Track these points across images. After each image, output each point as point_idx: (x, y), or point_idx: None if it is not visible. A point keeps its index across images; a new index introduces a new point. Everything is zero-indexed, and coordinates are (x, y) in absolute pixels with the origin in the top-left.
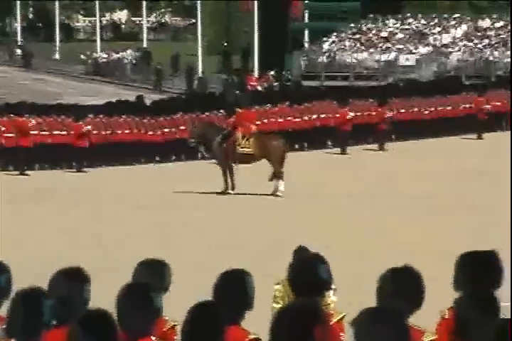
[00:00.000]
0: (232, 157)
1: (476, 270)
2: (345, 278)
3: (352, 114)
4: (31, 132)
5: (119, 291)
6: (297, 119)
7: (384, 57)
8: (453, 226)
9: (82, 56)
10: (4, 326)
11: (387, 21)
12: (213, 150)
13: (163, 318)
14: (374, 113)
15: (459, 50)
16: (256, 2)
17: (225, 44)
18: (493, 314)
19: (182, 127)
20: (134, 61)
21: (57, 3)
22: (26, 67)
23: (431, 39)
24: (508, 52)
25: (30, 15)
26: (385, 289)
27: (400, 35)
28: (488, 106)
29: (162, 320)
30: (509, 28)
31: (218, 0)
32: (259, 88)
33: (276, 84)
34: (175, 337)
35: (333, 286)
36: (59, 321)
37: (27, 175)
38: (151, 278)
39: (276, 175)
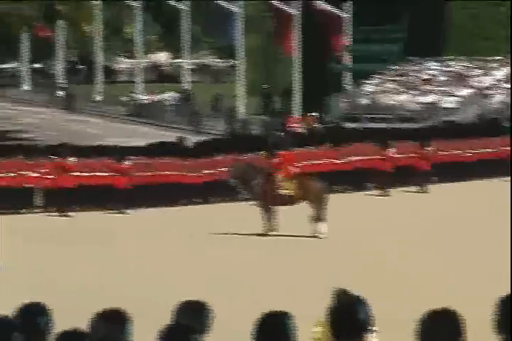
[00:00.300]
0: (273, 199)
1: None
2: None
3: (394, 153)
4: (72, 173)
5: (159, 333)
6: (338, 161)
7: (425, 100)
8: (494, 270)
9: (123, 98)
10: None
11: (428, 64)
12: (254, 192)
13: None
14: (415, 154)
15: (501, 93)
16: (298, 43)
17: (266, 86)
18: None
19: (223, 168)
20: (174, 102)
21: (98, 45)
22: (68, 108)
23: (472, 81)
24: None
25: (73, 57)
26: (424, 331)
27: (442, 78)
28: None
29: None
30: None
31: (260, 41)
32: (301, 130)
33: (317, 125)
34: None
35: (374, 328)
36: None
37: (69, 216)
38: (191, 319)
39: (317, 217)
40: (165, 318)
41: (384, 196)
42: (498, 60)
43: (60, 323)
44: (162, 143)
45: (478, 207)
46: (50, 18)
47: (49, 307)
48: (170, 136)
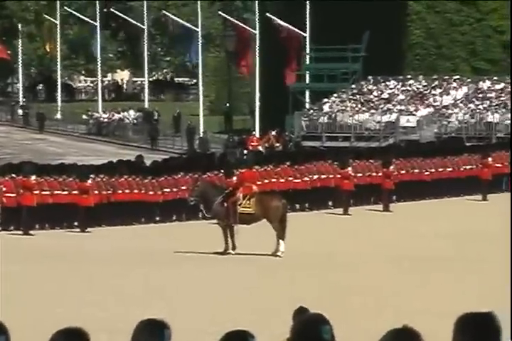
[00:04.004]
0: (233, 217)
1: (476, 332)
2: (347, 339)
3: (354, 172)
4: (34, 192)
5: None
6: (298, 180)
7: (385, 118)
8: (457, 287)
9: (84, 116)
10: None
11: (388, 83)
12: (214, 210)
13: None
14: (375, 173)
15: (460, 112)
16: (257, 65)
17: (227, 104)
18: None
19: (183, 187)
20: (135, 121)
21: (59, 63)
22: (27, 127)
23: (432, 100)
24: (509, 115)
25: (33, 75)
26: None
27: (401, 97)
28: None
29: None
30: (509, 90)
31: (220, 60)
32: (261, 148)
33: (277, 144)
34: None
35: None
36: None
37: (31, 234)
38: (150, 339)
39: (278, 236)
40: (125, 338)
41: (345, 215)
42: (456, 79)
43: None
44: (122, 161)
45: (443, 225)
46: (9, 37)
47: (7, 326)
48: (130, 155)
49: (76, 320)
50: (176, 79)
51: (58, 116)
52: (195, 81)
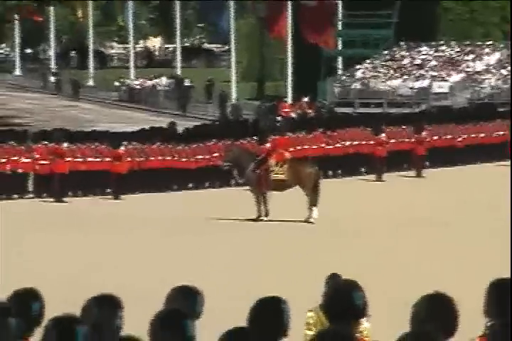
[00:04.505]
0: (266, 184)
1: (506, 297)
2: (379, 305)
3: (387, 138)
4: (67, 159)
5: (152, 318)
6: (331, 146)
7: (417, 84)
8: (484, 254)
9: (116, 83)
10: None
11: (420, 48)
12: (247, 177)
13: None
14: (408, 139)
15: (493, 78)
16: (289, 29)
17: (259, 70)
18: None
19: (215, 154)
20: (167, 88)
21: (91, 30)
22: (60, 93)
23: (464, 66)
24: None
25: (64, 42)
26: (418, 316)
27: (434, 63)
28: None
29: None
30: None
31: (252, 26)
32: (293, 115)
33: (309, 111)
34: None
35: (368, 313)
36: None
37: (63, 201)
38: (183, 304)
39: (310, 202)
40: (158, 304)
41: (379, 181)
42: (489, 44)
43: (52, 309)
44: (154, 128)
45: (475, 192)
46: (42, 2)
47: (41, 293)
48: (162, 122)
49: (110, 286)
50: (208, 45)
51: (90, 83)
52: (227, 47)
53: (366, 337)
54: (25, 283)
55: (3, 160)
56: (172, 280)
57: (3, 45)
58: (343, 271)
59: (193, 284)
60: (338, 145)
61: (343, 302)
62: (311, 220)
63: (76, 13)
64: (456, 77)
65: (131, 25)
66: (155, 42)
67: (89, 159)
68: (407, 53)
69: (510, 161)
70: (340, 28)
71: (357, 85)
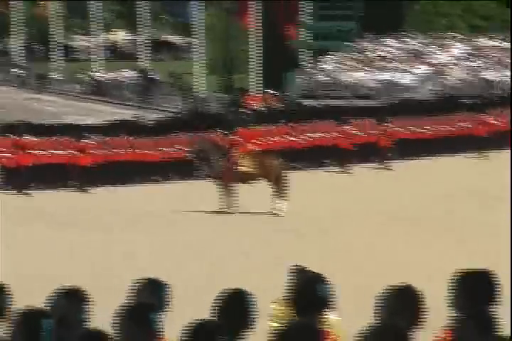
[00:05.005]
0: (231, 176)
1: (472, 289)
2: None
3: (353, 130)
4: (30, 151)
5: (118, 311)
6: (296, 138)
7: (382, 77)
8: (449, 247)
9: (80, 75)
10: None
11: (385, 40)
12: (211, 169)
13: (162, 337)
14: (373, 131)
15: (458, 69)
16: (255, 21)
17: (225, 63)
18: (491, 333)
19: (179, 146)
20: (131, 80)
21: (54, 22)
22: (24, 86)
23: (429, 58)
24: (507, 72)
25: (27, 35)
26: (384, 307)
27: (398, 54)
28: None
29: (161, 340)
30: (508, 46)
31: (218, 18)
32: (258, 107)
33: (275, 103)
34: None
35: (333, 305)
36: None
37: (28, 194)
38: (149, 297)
39: (276, 195)
40: (124, 296)
41: (345, 173)
42: (454, 36)
43: (19, 302)
44: (119, 121)
45: (441, 184)
46: None
47: (6, 286)
48: (127, 114)
49: (76, 278)
50: (173, 37)
51: (54, 75)
52: (193, 39)
53: (331, 329)
54: None
55: None
56: (137, 273)
57: None
58: (308, 264)
59: (158, 276)
60: (304, 137)
61: (308, 295)
62: (277, 212)
63: (39, 5)
64: (420, 69)
65: (95, 17)
66: (119, 35)
67: (53, 152)
68: (372, 45)
69: (510, 152)
70: (305, 19)
71: (322, 77)
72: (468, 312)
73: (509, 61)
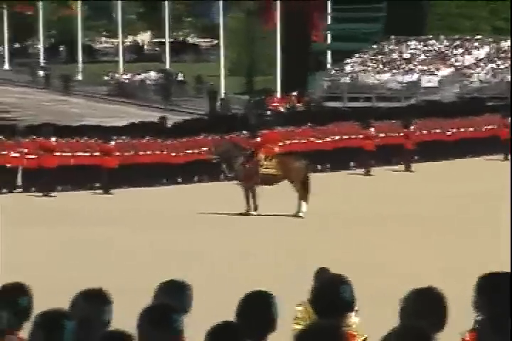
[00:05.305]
0: (255, 178)
1: (497, 292)
2: (366, 299)
3: (376, 132)
4: (55, 153)
5: (140, 313)
6: (320, 140)
7: (406, 78)
8: (473, 248)
9: (105, 77)
10: None
11: (409, 42)
12: (236, 171)
13: (184, 340)
14: (398, 134)
15: (482, 72)
16: (279, 24)
17: (249, 65)
18: None
19: (204, 148)
20: (156, 82)
21: (79, 24)
22: (48, 88)
23: (453, 60)
24: None
25: (53, 37)
26: (407, 310)
27: (423, 57)
28: None
29: None
30: None
31: (241, 21)
32: (282, 109)
33: (298, 105)
34: None
35: (356, 307)
36: None
37: (52, 196)
38: (172, 299)
39: (299, 196)
40: (147, 298)
41: (367, 175)
42: (478, 38)
43: (41, 304)
44: (143, 123)
45: (465, 186)
46: None
47: (29, 288)
48: (151, 116)
49: (94, 281)
50: (196, 39)
51: (79, 77)
52: (216, 42)
53: (355, 332)
54: (14, 277)
55: None
56: (163, 275)
57: None
58: (332, 266)
59: (183, 278)
60: (327, 139)
61: (331, 297)
62: (301, 214)
63: (69, 5)
64: (444, 71)
65: (120, 20)
66: (144, 37)
67: (79, 153)
68: (396, 47)
69: (510, 156)
70: (329, 22)
71: (346, 79)
72: (491, 315)
73: None
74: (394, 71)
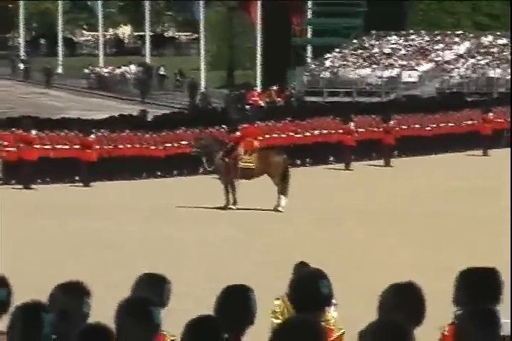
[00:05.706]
0: (234, 172)
1: (476, 286)
2: (345, 293)
3: (356, 127)
4: (35, 146)
5: (118, 305)
6: (299, 135)
7: (386, 74)
8: (454, 243)
9: (85, 70)
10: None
11: (389, 37)
12: (215, 165)
13: (162, 333)
14: (377, 129)
15: (462, 67)
16: (259, 18)
17: (228, 59)
18: (493, 330)
19: (184, 142)
20: (135, 76)
21: (60, 17)
22: (28, 81)
23: (433, 55)
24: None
25: (33, 30)
26: (386, 304)
27: (403, 52)
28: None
29: (161, 335)
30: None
31: (222, 14)
32: (262, 103)
33: (278, 99)
34: None
35: (333, 302)
36: (58, 335)
37: (32, 188)
38: (150, 293)
39: (279, 191)
40: (125, 291)
41: (347, 170)
42: (459, 34)
43: (19, 296)
44: (123, 116)
45: (444, 181)
46: None
47: (8, 280)
48: (132, 109)
49: (73, 274)
50: (177, 34)
51: (59, 70)
52: (196, 36)
53: (333, 326)
54: None
55: None
56: (141, 268)
57: None
58: (311, 260)
59: (161, 272)
60: (306, 134)
61: (308, 291)
62: (280, 209)
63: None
64: (425, 67)
65: (100, 13)
66: (124, 30)
67: (59, 146)
68: (377, 42)
69: (510, 149)
70: (309, 16)
71: (326, 74)
72: (470, 309)
73: None
74: (374, 66)
